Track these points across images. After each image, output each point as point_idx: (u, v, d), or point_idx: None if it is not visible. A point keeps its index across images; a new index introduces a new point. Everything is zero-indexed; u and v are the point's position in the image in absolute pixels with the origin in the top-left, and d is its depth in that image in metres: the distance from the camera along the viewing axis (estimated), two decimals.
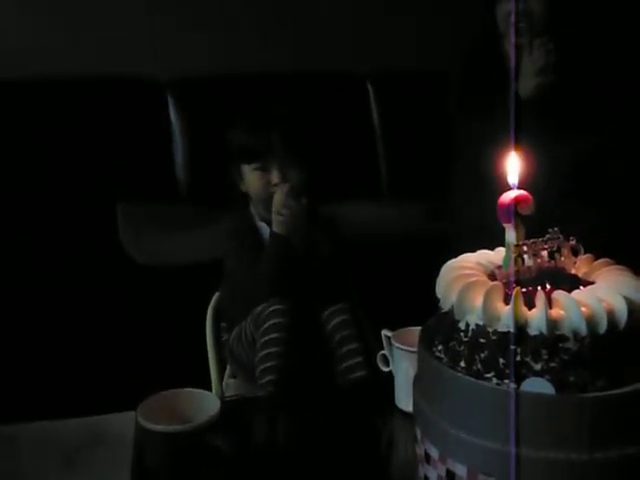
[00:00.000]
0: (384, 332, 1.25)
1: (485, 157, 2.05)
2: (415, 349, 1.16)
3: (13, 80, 2.57)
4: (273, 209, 1.57)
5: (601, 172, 1.76)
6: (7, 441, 1.06)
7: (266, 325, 1.49)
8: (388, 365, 1.25)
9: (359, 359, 1.52)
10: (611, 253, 0.83)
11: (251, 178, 1.60)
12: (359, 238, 2.02)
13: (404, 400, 1.19)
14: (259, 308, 1.52)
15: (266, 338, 1.48)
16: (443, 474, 0.73)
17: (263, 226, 1.65)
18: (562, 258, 0.80)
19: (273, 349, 1.48)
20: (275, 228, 1.58)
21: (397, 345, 1.20)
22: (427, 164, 2.84)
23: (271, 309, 1.50)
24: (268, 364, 1.47)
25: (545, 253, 0.79)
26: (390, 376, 1.22)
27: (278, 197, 1.55)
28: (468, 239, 2.00)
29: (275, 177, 1.56)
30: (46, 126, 2.61)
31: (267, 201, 1.58)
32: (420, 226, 2.62)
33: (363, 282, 1.78)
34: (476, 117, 2.12)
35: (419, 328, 1.21)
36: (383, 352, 1.25)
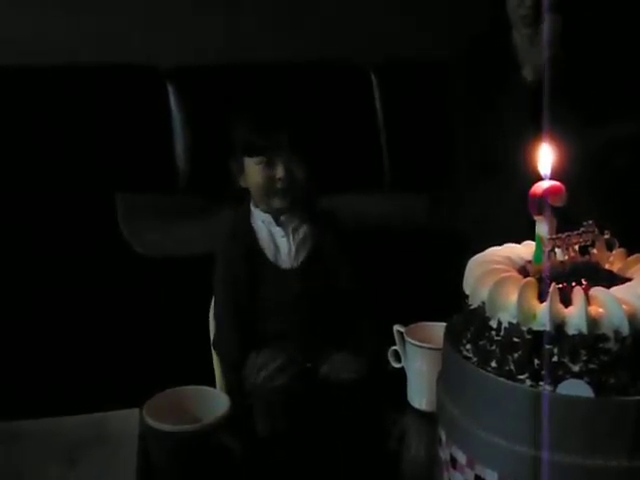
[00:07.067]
0: (396, 327, 1.21)
1: (493, 148, 2.04)
2: (429, 345, 1.14)
3: (12, 68, 2.52)
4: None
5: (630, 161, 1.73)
6: (9, 438, 1.03)
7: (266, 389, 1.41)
8: (400, 361, 1.21)
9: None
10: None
11: (253, 171, 1.56)
12: (360, 230, 1.98)
13: (417, 397, 1.16)
14: (259, 359, 1.44)
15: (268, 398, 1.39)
16: None
17: (261, 226, 1.59)
18: (595, 252, 0.76)
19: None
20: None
21: (411, 341, 1.16)
22: (430, 155, 2.80)
23: (273, 366, 1.42)
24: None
25: (577, 247, 0.75)
26: (398, 374, 1.19)
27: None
28: (474, 231, 1.97)
29: (280, 171, 1.53)
30: (46, 115, 2.57)
31: (268, 194, 1.54)
32: (423, 218, 2.59)
33: (365, 276, 1.74)
34: (483, 109, 2.09)
35: (433, 324, 1.19)
36: (395, 348, 1.22)
